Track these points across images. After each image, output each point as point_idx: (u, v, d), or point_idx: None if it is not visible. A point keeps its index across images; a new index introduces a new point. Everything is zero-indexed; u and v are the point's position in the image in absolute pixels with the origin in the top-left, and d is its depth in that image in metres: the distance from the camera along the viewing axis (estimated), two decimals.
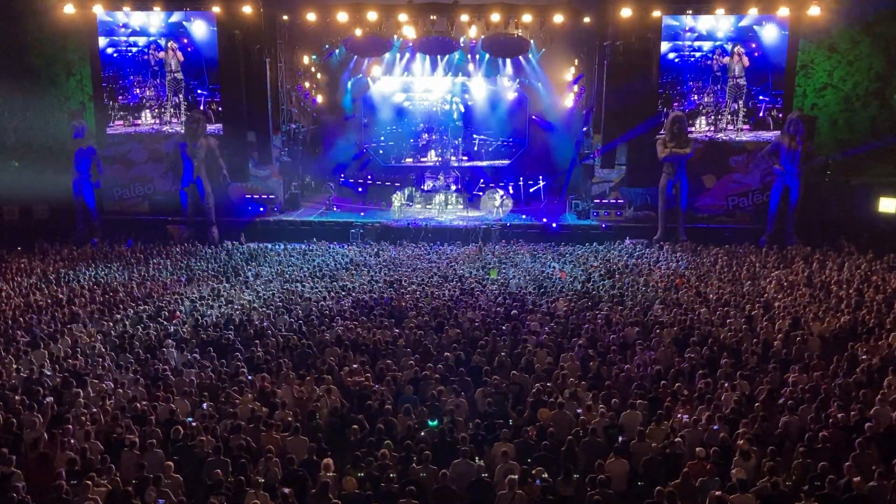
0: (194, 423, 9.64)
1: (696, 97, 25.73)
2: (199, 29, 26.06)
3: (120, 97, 26.45)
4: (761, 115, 25.65)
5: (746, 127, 25.76)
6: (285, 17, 26.89)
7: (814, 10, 24.27)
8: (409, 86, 31.15)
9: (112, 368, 11.83)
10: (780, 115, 25.17)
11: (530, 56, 29.45)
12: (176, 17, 26.02)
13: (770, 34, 25.19)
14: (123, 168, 26.91)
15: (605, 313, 14.72)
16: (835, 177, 26.53)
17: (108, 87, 26.38)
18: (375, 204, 29.02)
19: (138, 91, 26.46)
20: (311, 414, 10.00)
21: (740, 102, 25.65)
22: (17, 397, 10.23)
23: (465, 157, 31.03)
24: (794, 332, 13.30)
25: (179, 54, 26.26)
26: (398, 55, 30.07)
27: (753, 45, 25.27)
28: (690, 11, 25.04)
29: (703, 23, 25.30)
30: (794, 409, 9.86)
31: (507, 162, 31.04)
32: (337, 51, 29.37)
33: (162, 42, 26.16)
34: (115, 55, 26.25)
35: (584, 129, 28.32)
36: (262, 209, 26.69)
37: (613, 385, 11.16)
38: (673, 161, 24.10)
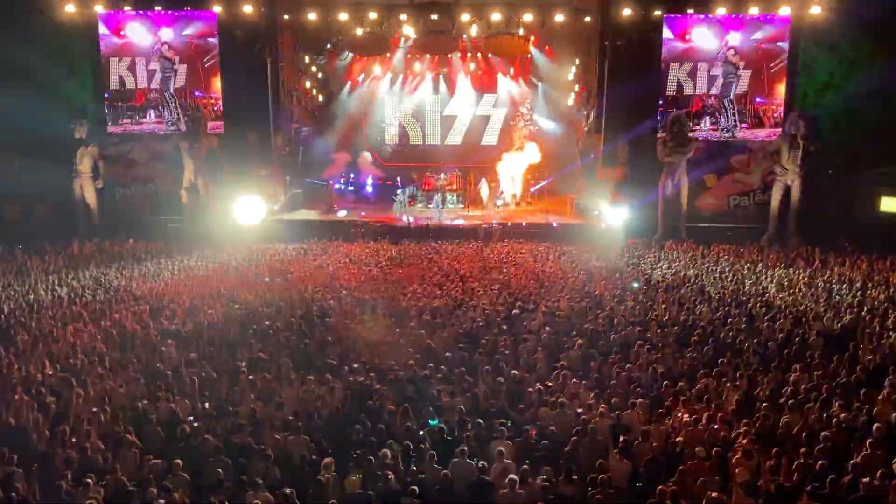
0: (195, 423, 9.64)
1: (701, 100, 25.73)
2: (201, 29, 26.06)
3: (124, 101, 26.47)
4: (764, 115, 25.67)
5: (745, 125, 25.76)
6: (286, 17, 26.89)
7: (815, 10, 24.28)
8: (410, 85, 31.14)
9: (113, 367, 11.82)
10: (782, 115, 25.19)
11: (531, 55, 29.44)
12: (177, 17, 26.04)
13: (772, 35, 25.18)
14: (124, 168, 26.94)
15: (607, 313, 14.71)
16: (836, 176, 26.49)
17: (111, 91, 26.41)
18: (376, 203, 29.03)
19: (141, 93, 26.48)
20: (311, 413, 9.99)
21: (742, 103, 25.66)
22: (17, 396, 10.22)
23: (466, 158, 31.02)
24: (795, 331, 13.29)
25: (181, 55, 26.27)
26: (399, 54, 30.08)
27: (755, 46, 25.27)
28: (692, 11, 25.03)
29: (706, 24, 25.30)
30: (795, 409, 9.85)
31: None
32: (338, 50, 29.36)
33: (164, 42, 26.18)
34: (117, 57, 26.28)
35: (585, 128, 28.32)
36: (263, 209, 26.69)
37: (615, 384, 11.14)
38: (673, 161, 24.09)
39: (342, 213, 27.09)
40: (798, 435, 9.21)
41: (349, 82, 30.95)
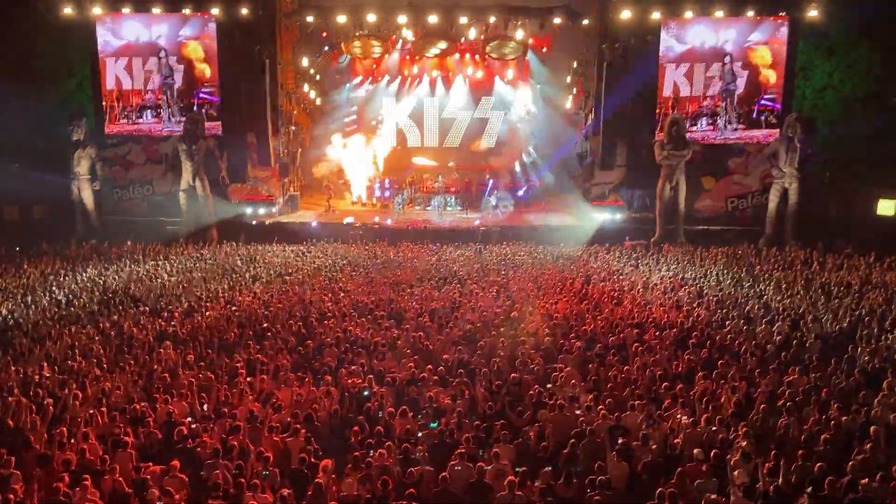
0: (193, 425, 9.61)
1: (698, 102, 25.78)
2: (199, 31, 26.07)
3: (122, 102, 26.47)
4: (760, 117, 25.74)
5: (743, 126, 25.83)
6: (284, 19, 26.89)
7: (813, 13, 24.34)
8: (408, 87, 31.14)
9: (110, 369, 11.79)
10: (780, 118, 25.24)
11: (529, 58, 29.46)
12: (176, 18, 26.03)
13: (769, 37, 25.25)
14: (122, 169, 26.94)
15: (605, 315, 14.71)
16: (833, 179, 26.56)
17: (109, 92, 26.42)
18: (374, 205, 29.04)
19: (139, 93, 26.49)
20: (309, 416, 9.97)
21: (739, 106, 25.72)
22: (13, 399, 10.18)
23: (465, 158, 31.04)
24: (793, 333, 13.30)
25: (179, 56, 26.27)
26: (397, 57, 30.09)
27: (753, 49, 25.33)
28: (690, 14, 25.08)
29: (704, 26, 25.36)
30: (793, 411, 9.85)
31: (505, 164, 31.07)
32: (336, 52, 29.36)
33: (162, 44, 26.17)
34: (114, 59, 26.27)
35: (584, 130, 28.34)
36: (261, 210, 26.69)
37: (613, 386, 11.14)
38: (671, 163, 24.12)
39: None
40: (796, 437, 9.21)
41: (348, 84, 30.94)
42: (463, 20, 26.12)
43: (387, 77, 30.88)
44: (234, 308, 15.46)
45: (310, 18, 26.30)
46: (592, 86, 27.01)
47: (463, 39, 28.21)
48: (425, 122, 31.49)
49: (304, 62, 29.18)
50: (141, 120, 26.71)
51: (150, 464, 8.68)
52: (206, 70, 26.33)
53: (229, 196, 26.39)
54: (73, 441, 9.04)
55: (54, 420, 9.79)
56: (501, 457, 8.72)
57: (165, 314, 14.95)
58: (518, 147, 31.22)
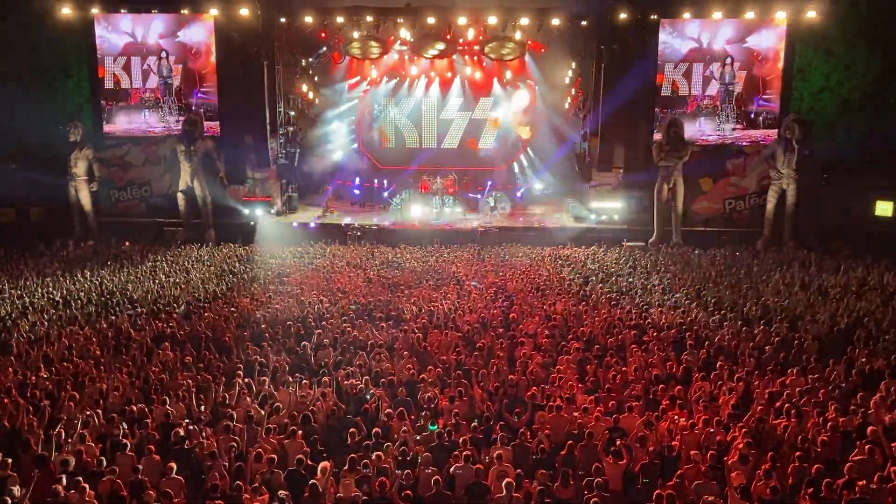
0: (191, 427, 9.61)
1: (696, 103, 25.81)
2: (197, 32, 26.06)
3: (119, 102, 26.46)
4: (758, 118, 25.78)
5: (741, 127, 25.86)
6: (283, 20, 26.88)
7: (811, 14, 24.38)
8: (407, 88, 31.13)
9: (108, 370, 11.77)
10: (778, 119, 25.28)
11: (528, 59, 29.46)
12: (174, 19, 26.02)
13: (767, 38, 25.29)
14: (120, 170, 26.92)
15: (603, 316, 14.72)
16: (831, 180, 26.59)
17: (107, 92, 26.40)
18: (373, 206, 29.03)
19: (137, 95, 26.47)
20: (307, 417, 9.97)
21: (737, 106, 25.76)
22: (10, 400, 10.17)
23: (463, 161, 31.02)
24: (791, 334, 13.31)
25: (178, 57, 26.26)
26: (396, 57, 30.07)
27: (751, 49, 25.38)
28: (688, 15, 25.11)
29: (701, 27, 25.39)
30: (790, 413, 9.86)
31: (504, 166, 31.05)
32: (334, 53, 29.33)
33: (160, 45, 26.16)
34: (112, 59, 26.26)
35: (582, 131, 28.36)
36: (259, 211, 26.65)
37: (611, 388, 11.15)
38: (669, 164, 24.13)
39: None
40: (794, 438, 9.22)
41: (346, 85, 30.91)
42: (461, 21, 26.12)
43: (385, 78, 30.86)
44: (232, 309, 15.46)
45: (308, 19, 26.29)
46: (591, 86, 27.02)
47: (461, 40, 28.20)
48: (423, 123, 31.47)
49: (303, 63, 29.15)
50: (139, 120, 26.69)
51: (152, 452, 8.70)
52: (204, 70, 26.32)
53: (228, 197, 26.36)
54: (69, 442, 9.02)
55: (52, 421, 9.77)
56: (500, 458, 8.73)
57: (163, 315, 14.94)
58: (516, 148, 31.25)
